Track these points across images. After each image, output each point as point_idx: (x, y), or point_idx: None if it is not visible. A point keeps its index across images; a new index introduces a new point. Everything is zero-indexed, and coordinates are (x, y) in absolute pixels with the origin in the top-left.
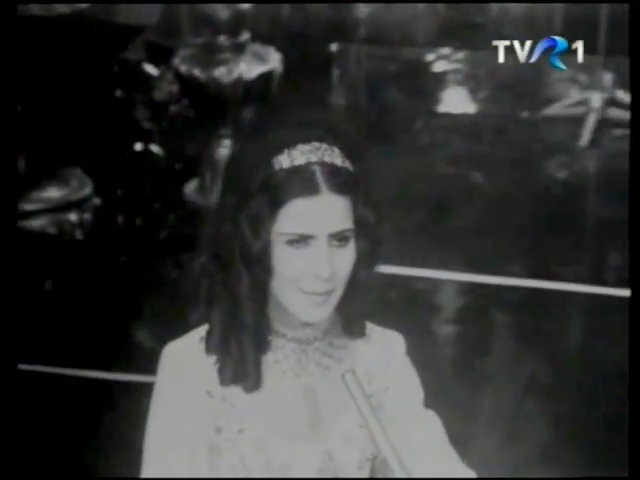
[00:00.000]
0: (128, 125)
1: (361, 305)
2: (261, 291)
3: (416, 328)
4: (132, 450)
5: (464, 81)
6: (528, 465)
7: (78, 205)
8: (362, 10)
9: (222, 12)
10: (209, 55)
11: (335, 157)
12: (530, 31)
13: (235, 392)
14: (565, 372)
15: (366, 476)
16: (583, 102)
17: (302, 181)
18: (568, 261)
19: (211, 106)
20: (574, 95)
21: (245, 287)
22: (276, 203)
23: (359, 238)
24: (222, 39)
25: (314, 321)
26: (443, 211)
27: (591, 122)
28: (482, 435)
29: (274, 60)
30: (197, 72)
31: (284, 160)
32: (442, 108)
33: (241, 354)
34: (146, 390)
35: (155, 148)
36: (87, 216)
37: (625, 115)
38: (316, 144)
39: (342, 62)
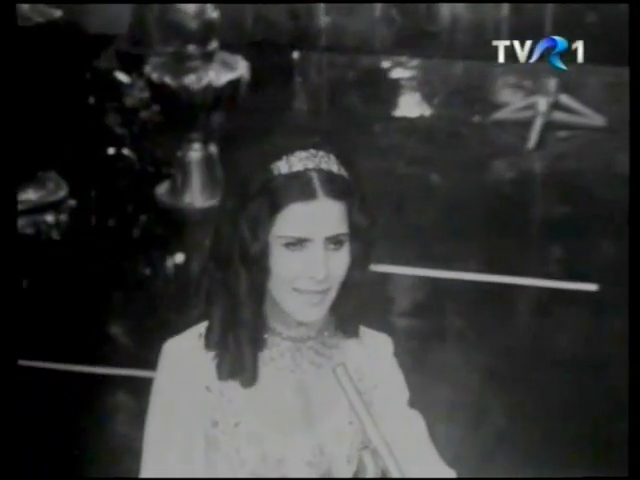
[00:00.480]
0: (101, 130)
1: (355, 305)
2: (258, 291)
3: (374, 321)
4: (109, 441)
5: (419, 87)
6: (486, 451)
7: (54, 206)
8: (323, 19)
9: (191, 22)
10: (179, 63)
11: (331, 164)
12: (479, 38)
13: (232, 387)
14: (518, 362)
15: (354, 469)
16: (530, 106)
17: (300, 186)
18: (517, 255)
19: (182, 112)
20: (521, 100)
21: (243, 286)
22: (274, 207)
23: (353, 241)
24: (191, 48)
25: (309, 320)
26: (403, 209)
27: (538, 125)
28: (443, 425)
29: (242, 68)
30: (168, 79)
31: (282, 166)
32: (399, 112)
33: (238, 350)
34: (121, 383)
35: (127, 152)
36: (63, 217)
37: (569, 118)
38: (313, 151)
39: (304, 69)
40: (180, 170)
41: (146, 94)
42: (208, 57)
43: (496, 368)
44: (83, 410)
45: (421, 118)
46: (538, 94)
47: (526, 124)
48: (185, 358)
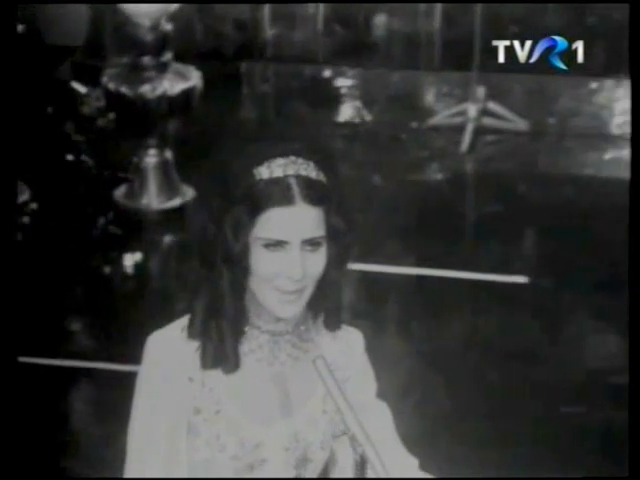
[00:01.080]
0: (60, 138)
1: (333, 302)
2: (239, 287)
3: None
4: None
5: (360, 95)
6: (430, 434)
7: (18, 210)
8: (268, 32)
9: (147, 35)
10: (135, 74)
11: (310, 170)
12: (412, 49)
13: (213, 377)
14: (454, 349)
15: (327, 455)
16: (461, 113)
17: (279, 192)
18: (452, 250)
19: (138, 119)
20: (453, 107)
21: (225, 283)
22: (255, 210)
23: (331, 243)
24: (147, 59)
25: (286, 316)
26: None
27: (469, 130)
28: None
29: (195, 77)
30: (124, 89)
31: (264, 171)
32: (343, 118)
33: (220, 339)
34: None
35: (85, 158)
36: (26, 219)
37: (497, 123)
38: (293, 158)
39: (251, 79)
40: (137, 174)
41: (102, 103)
42: (162, 68)
43: (435, 354)
44: (45, 402)
45: (363, 124)
46: (468, 101)
47: (459, 129)
48: (169, 350)
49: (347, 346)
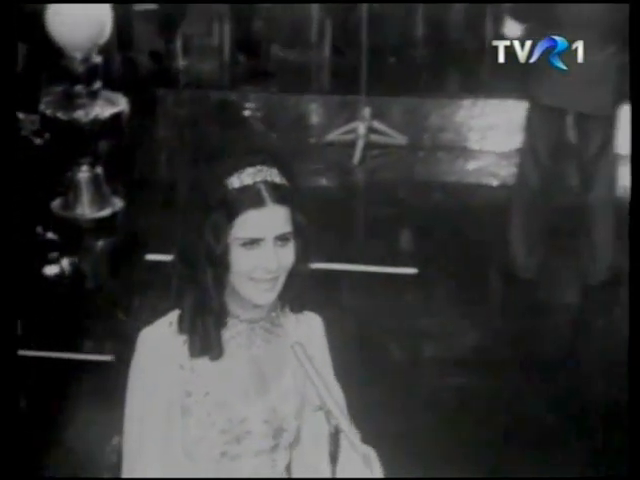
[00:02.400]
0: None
1: (299, 289)
2: (222, 283)
3: None
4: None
5: (264, 117)
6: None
7: None
8: (180, 62)
9: (79, 66)
10: (69, 100)
11: (275, 176)
12: (306, 77)
13: (201, 364)
14: (353, 334)
15: (300, 423)
16: (352, 130)
17: (251, 197)
18: (351, 247)
19: (73, 140)
20: (345, 125)
21: (209, 281)
22: (232, 215)
23: (296, 238)
24: (79, 88)
25: (264, 303)
26: None
27: (359, 145)
28: None
29: (122, 103)
30: (60, 114)
31: (234, 181)
32: (249, 138)
33: (206, 332)
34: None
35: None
36: None
37: (381, 139)
38: (259, 167)
39: (166, 104)
40: (72, 188)
41: (37, 126)
42: (94, 95)
43: (333, 339)
44: None
45: (268, 142)
46: (357, 120)
47: (350, 144)
48: (160, 342)
49: (309, 328)
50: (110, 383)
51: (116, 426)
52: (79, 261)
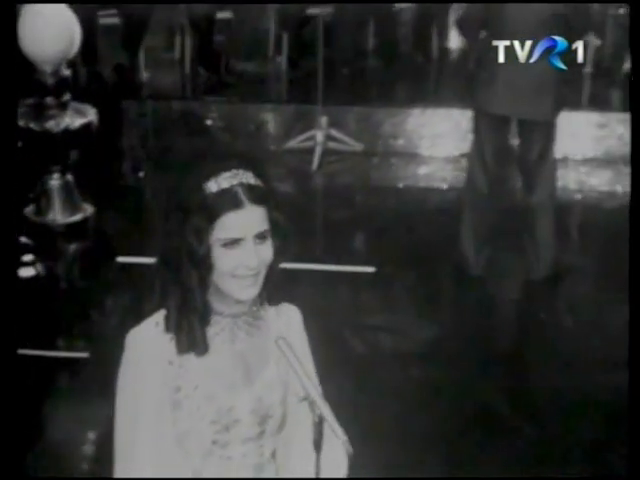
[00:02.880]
0: None
1: (277, 283)
2: (205, 283)
3: None
4: None
5: (225, 126)
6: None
7: None
8: (144, 75)
9: (49, 79)
10: (41, 112)
11: (250, 178)
12: (265, 87)
13: (189, 360)
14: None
15: (285, 410)
16: (310, 138)
17: (229, 199)
18: (314, 247)
19: (45, 149)
20: (304, 133)
21: (194, 281)
22: (212, 217)
23: (274, 235)
24: (49, 99)
25: (247, 298)
26: None
27: (317, 152)
28: None
29: (91, 114)
30: (33, 125)
31: (212, 186)
32: (212, 145)
33: (191, 330)
34: None
35: None
36: None
37: (338, 146)
38: (235, 171)
39: (130, 114)
40: (44, 195)
41: None
42: (63, 106)
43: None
44: None
45: (231, 149)
46: (315, 128)
47: (309, 151)
48: (148, 341)
49: (288, 319)
50: (86, 379)
51: (91, 420)
52: (52, 264)
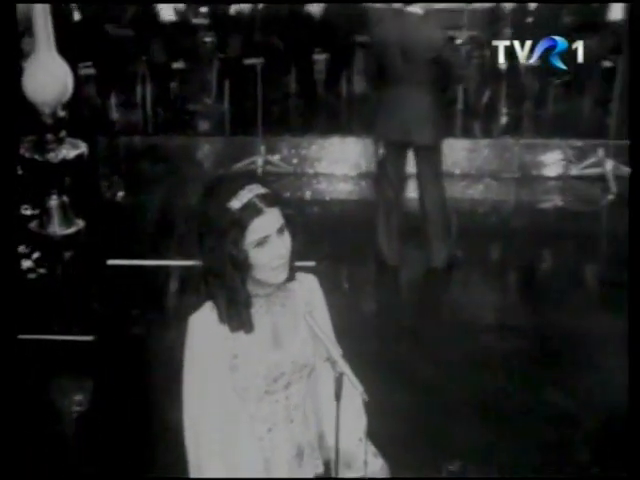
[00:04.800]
0: None
1: (293, 261)
2: (245, 280)
3: None
4: None
5: (181, 156)
6: None
7: None
8: (115, 114)
9: (48, 119)
10: (42, 146)
11: (260, 189)
12: (213, 124)
13: (240, 334)
14: None
15: (314, 360)
16: (252, 163)
17: (252, 209)
18: None
19: (46, 176)
20: (246, 159)
21: (237, 281)
22: (243, 227)
23: (289, 226)
24: (49, 136)
25: (280, 281)
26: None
27: (259, 174)
28: None
29: (83, 147)
30: (36, 156)
31: (235, 203)
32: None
33: (238, 316)
34: None
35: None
36: None
37: (275, 169)
38: (248, 187)
39: (104, 147)
40: (45, 212)
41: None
42: (60, 141)
43: None
44: None
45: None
46: (256, 155)
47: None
48: (206, 324)
49: (309, 286)
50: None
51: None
52: (53, 266)
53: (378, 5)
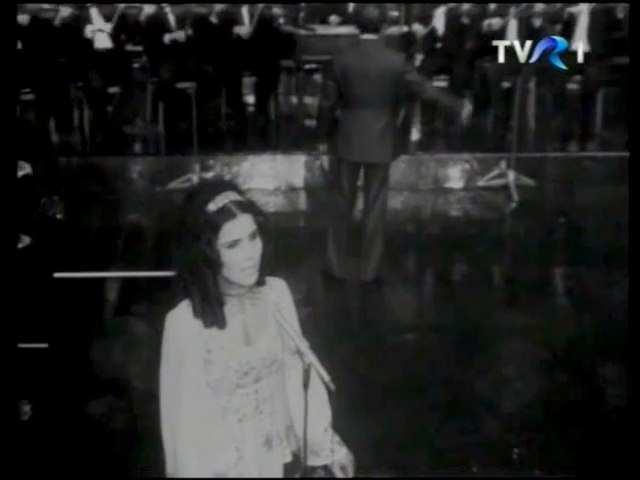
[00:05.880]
0: None
1: (265, 266)
2: (217, 278)
3: None
4: None
5: (119, 175)
6: None
7: None
8: (87, 134)
9: None
10: None
11: (236, 196)
12: (148, 145)
13: (214, 330)
14: None
15: (283, 356)
16: (187, 180)
17: (226, 213)
18: None
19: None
20: (182, 176)
21: (210, 279)
22: (217, 228)
23: (261, 232)
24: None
25: (250, 283)
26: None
27: None
28: None
29: (27, 168)
30: None
31: (212, 207)
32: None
33: (212, 313)
34: None
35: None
36: None
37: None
38: (225, 193)
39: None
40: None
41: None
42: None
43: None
44: None
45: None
46: (191, 173)
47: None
48: (182, 319)
49: (279, 290)
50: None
51: None
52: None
53: (302, 31)
